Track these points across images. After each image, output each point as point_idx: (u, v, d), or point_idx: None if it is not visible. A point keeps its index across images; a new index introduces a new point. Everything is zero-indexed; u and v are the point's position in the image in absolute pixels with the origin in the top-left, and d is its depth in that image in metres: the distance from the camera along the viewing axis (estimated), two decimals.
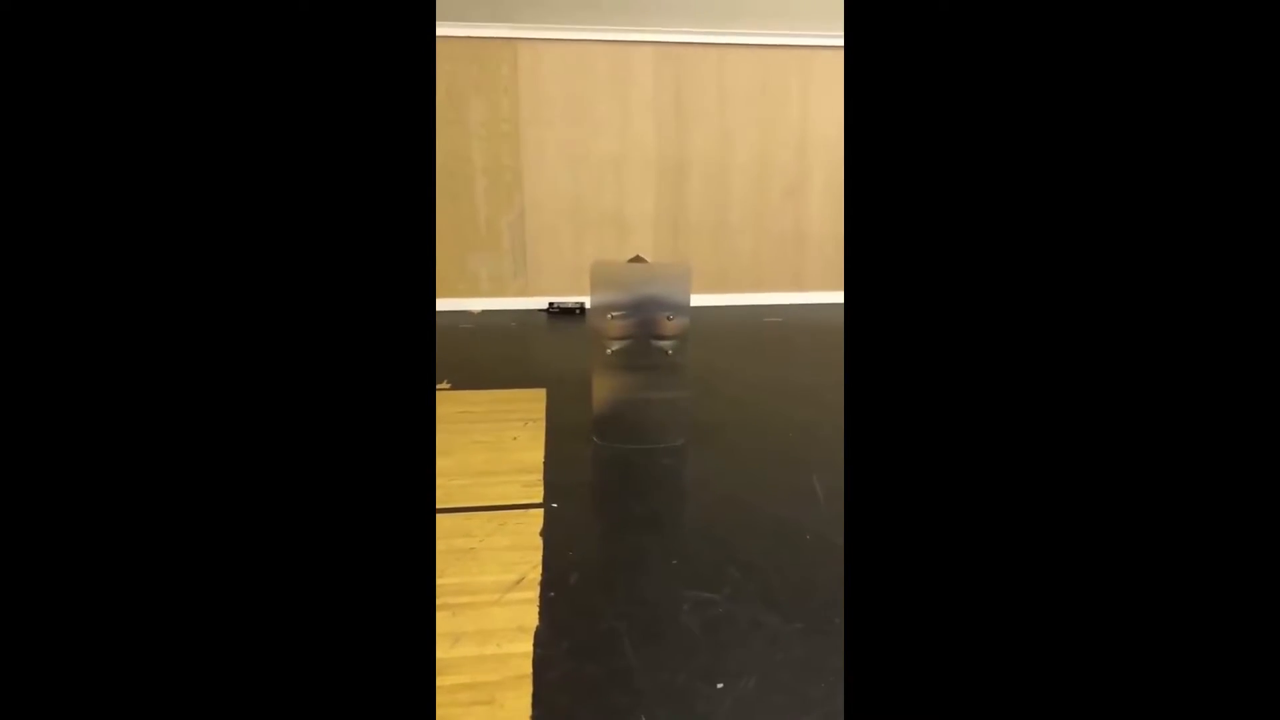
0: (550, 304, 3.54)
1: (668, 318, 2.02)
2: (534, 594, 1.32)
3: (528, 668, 1.14)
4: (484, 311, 3.53)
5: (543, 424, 2.11)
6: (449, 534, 1.50)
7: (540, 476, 1.79)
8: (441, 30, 3.21)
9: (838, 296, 3.78)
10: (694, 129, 3.52)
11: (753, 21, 3.38)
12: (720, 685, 1.11)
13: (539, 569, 1.40)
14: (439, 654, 1.16)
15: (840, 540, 1.51)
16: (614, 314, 2.02)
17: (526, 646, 1.18)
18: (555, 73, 3.36)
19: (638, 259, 2.20)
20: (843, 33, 3.41)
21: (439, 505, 1.62)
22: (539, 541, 1.50)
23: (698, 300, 3.62)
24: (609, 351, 2.03)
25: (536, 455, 1.91)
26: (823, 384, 2.48)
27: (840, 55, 3.49)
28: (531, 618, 1.26)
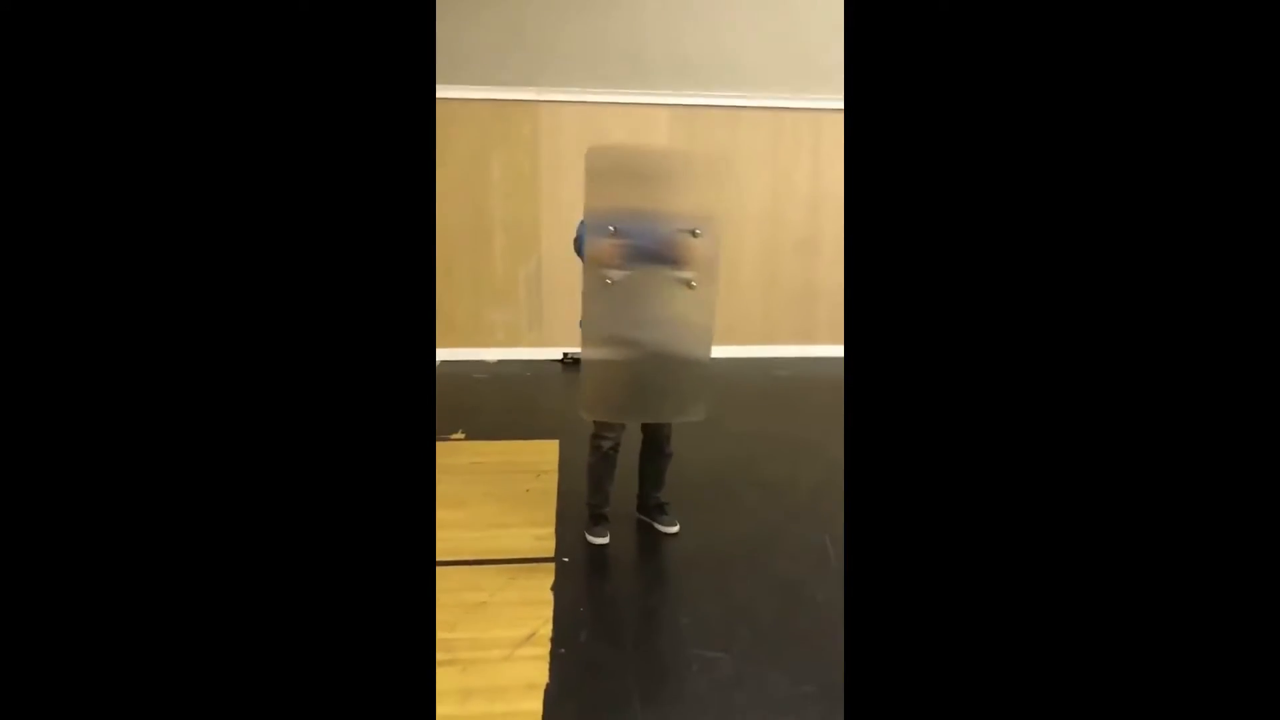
0: (564, 354, 3.59)
1: (693, 233, 1.28)
2: (544, 650, 1.33)
3: None
4: (499, 361, 3.59)
5: (555, 475, 2.13)
6: (460, 587, 1.52)
7: (552, 530, 1.80)
8: (467, 93, 3.35)
9: None
10: None
11: (764, 86, 3.51)
12: None
13: (549, 625, 1.41)
14: (450, 710, 1.17)
15: None
16: (616, 227, 1.26)
17: (536, 705, 1.19)
18: (574, 133, 3.49)
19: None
20: None
21: (451, 557, 1.64)
22: (550, 596, 1.51)
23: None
24: (608, 283, 1.30)
25: (549, 508, 1.93)
26: (831, 438, 2.49)
27: None
28: (541, 675, 1.26)
